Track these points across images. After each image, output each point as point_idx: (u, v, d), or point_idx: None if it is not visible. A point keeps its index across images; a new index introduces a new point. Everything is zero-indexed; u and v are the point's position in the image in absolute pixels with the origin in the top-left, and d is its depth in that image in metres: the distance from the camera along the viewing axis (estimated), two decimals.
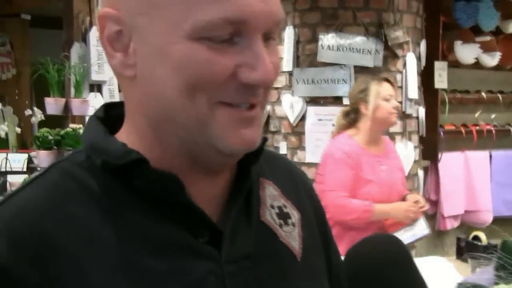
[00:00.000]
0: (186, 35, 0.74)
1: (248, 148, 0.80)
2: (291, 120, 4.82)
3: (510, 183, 5.95)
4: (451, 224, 5.72)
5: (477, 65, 5.74)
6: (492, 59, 5.72)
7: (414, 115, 5.10)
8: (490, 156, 5.92)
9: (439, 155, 5.62)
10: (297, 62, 4.81)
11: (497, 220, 5.62)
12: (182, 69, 0.75)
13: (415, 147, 5.12)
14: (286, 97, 4.84)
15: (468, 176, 5.84)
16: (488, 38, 5.67)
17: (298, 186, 1.01)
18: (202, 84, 0.75)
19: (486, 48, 5.67)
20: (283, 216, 0.93)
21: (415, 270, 0.90)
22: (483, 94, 5.92)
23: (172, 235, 0.79)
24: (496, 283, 1.17)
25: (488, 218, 5.79)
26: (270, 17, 0.77)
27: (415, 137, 5.15)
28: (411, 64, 4.94)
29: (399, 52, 4.88)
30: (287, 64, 4.80)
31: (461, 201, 5.73)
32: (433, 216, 5.73)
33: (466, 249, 5.05)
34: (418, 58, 5.11)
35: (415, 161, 5.11)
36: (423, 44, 5.21)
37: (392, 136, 4.90)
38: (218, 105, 0.77)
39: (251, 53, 0.77)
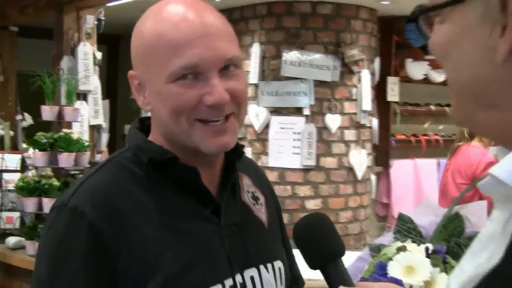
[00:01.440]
0: (166, 80, 1.14)
1: (223, 150, 1.22)
2: (256, 128, 5.26)
3: None
4: None
5: (427, 80, 6.21)
6: (440, 75, 6.19)
7: (368, 125, 5.55)
8: (438, 163, 6.35)
9: (391, 162, 6.08)
10: (262, 75, 5.23)
11: None
12: (167, 101, 1.16)
13: (368, 154, 5.57)
14: (252, 107, 5.27)
15: (417, 181, 6.25)
16: None
17: (261, 180, 1.46)
18: (179, 109, 1.15)
19: (435, 65, 6.14)
20: (255, 198, 1.37)
21: (334, 231, 1.23)
22: (432, 107, 6.39)
23: (190, 206, 1.21)
24: (394, 242, 1.61)
25: None
26: (219, 58, 1.15)
27: (368, 145, 5.60)
28: (365, 79, 5.40)
29: (355, 68, 5.33)
30: (253, 77, 5.23)
31: (410, 204, 6.12)
32: (384, 217, 6.20)
33: None
34: (372, 74, 5.56)
35: (368, 167, 5.57)
36: (377, 61, 5.66)
37: (347, 144, 5.37)
38: (195, 122, 1.16)
39: (208, 84, 1.14)
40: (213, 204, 1.25)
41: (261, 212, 1.37)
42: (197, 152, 1.21)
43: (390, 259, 1.46)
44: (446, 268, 1.40)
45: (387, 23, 5.86)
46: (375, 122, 5.68)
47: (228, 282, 1.21)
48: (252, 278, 1.26)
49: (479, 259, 0.76)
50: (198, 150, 1.20)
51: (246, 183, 1.38)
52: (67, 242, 1.13)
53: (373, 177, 5.77)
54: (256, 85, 5.25)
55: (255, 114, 5.24)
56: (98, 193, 1.16)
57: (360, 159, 5.44)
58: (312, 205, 5.30)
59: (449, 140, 6.47)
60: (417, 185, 6.26)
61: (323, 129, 5.26)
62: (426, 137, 6.37)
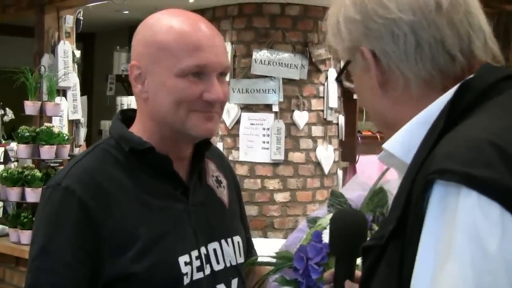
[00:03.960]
0: (175, 75, 1.35)
1: (210, 135, 1.43)
2: (227, 124, 5.45)
3: None
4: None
5: None
6: None
7: (335, 121, 5.77)
8: None
9: (357, 157, 6.31)
10: (233, 73, 5.42)
11: None
12: (171, 92, 1.36)
13: (335, 149, 5.78)
14: None
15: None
16: None
17: (224, 164, 1.67)
18: (181, 100, 1.36)
19: None
20: (218, 182, 1.59)
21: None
22: None
23: (164, 188, 1.43)
24: (328, 214, 1.79)
25: None
26: (220, 65, 1.39)
27: (335, 141, 5.82)
28: (332, 77, 5.60)
29: (322, 67, 5.55)
30: None
31: None
32: None
33: None
34: None
35: (335, 162, 5.79)
36: (343, 60, 5.85)
37: (314, 139, 5.60)
38: (192, 112, 1.37)
39: (209, 84, 1.37)
40: (183, 186, 1.47)
41: (223, 194, 1.59)
42: (178, 141, 1.44)
43: (325, 228, 1.60)
44: (372, 234, 1.63)
45: None
46: (341, 119, 5.88)
47: (194, 253, 1.43)
48: (214, 250, 1.49)
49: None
50: (187, 135, 1.41)
51: (211, 168, 1.59)
52: (61, 213, 1.35)
53: (339, 172, 5.98)
54: (227, 83, 5.43)
55: (226, 111, 5.41)
56: (86, 175, 1.38)
57: (327, 154, 5.66)
58: (281, 198, 5.51)
59: None
60: (382, 180, 6.46)
61: (291, 125, 5.46)
62: None
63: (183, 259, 1.40)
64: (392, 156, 1.00)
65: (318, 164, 5.62)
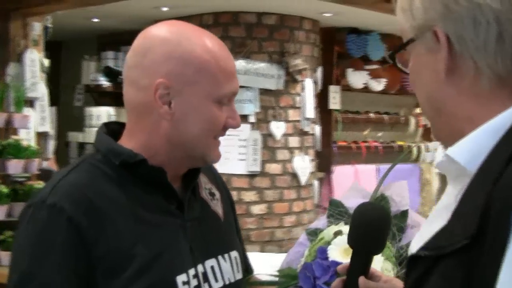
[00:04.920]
0: (213, 100, 1.30)
1: (219, 160, 1.37)
2: None
3: None
4: None
5: (366, 89, 6.45)
6: (379, 85, 6.45)
7: (311, 132, 5.74)
8: (377, 169, 6.56)
9: (333, 168, 6.27)
10: None
11: None
12: (206, 119, 1.30)
13: (311, 160, 5.75)
14: None
15: None
16: (375, 66, 6.39)
17: (216, 177, 1.58)
18: (214, 127, 1.32)
19: (374, 75, 6.40)
20: (212, 194, 1.50)
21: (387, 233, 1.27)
22: (372, 114, 6.63)
23: (158, 203, 1.33)
24: (328, 225, 1.65)
25: None
26: (237, 91, 1.37)
27: (311, 152, 5.78)
28: (308, 87, 5.59)
29: (299, 77, 5.50)
30: None
31: None
32: None
33: None
34: (315, 83, 5.74)
35: (311, 173, 5.75)
36: (319, 71, 5.85)
37: (291, 150, 5.53)
38: (215, 139, 1.34)
39: (232, 110, 1.34)
40: (177, 200, 1.37)
41: (217, 206, 1.50)
42: (187, 163, 1.37)
43: (329, 243, 1.55)
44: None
45: (329, 34, 6.06)
46: (317, 129, 5.86)
47: (191, 271, 1.33)
48: (212, 267, 1.39)
49: (434, 225, 0.94)
50: (203, 160, 1.36)
51: (204, 180, 1.50)
52: (47, 235, 1.22)
53: (315, 183, 5.94)
54: None
55: None
56: (75, 191, 1.26)
57: (303, 165, 5.61)
58: (257, 210, 5.43)
59: (388, 147, 6.74)
60: None
61: (268, 136, 5.40)
62: (366, 144, 6.58)
63: (180, 278, 1.31)
64: (453, 163, 0.92)
65: (294, 175, 5.56)
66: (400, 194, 1.67)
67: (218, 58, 1.31)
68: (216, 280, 1.39)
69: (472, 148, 0.89)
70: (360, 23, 6.02)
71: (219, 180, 1.59)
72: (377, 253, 1.24)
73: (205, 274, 1.37)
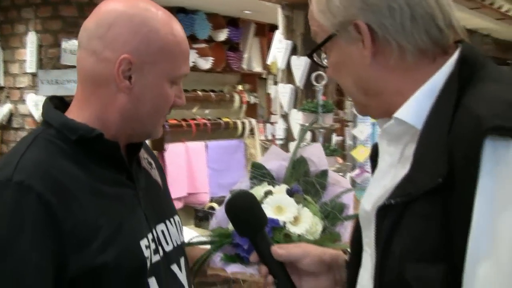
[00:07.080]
0: (168, 80, 1.38)
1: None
2: (36, 117, 5.15)
3: (222, 169, 6.82)
4: (176, 205, 6.42)
5: (194, 68, 6.54)
6: (206, 63, 6.60)
7: None
8: (206, 145, 6.76)
9: (165, 146, 6.33)
10: (40, 64, 5.16)
11: (213, 200, 6.50)
12: (160, 97, 1.38)
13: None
14: (30, 97, 5.16)
15: (189, 163, 6.56)
16: (203, 45, 6.54)
17: (147, 148, 1.64)
18: (165, 106, 1.41)
19: (202, 53, 6.55)
20: (149, 164, 1.59)
21: (260, 209, 1.42)
22: (199, 92, 6.75)
23: (112, 175, 1.39)
24: (252, 187, 1.77)
25: (206, 198, 6.61)
26: (188, 73, 1.45)
27: None
28: None
29: None
30: (30, 66, 5.12)
31: (184, 185, 6.48)
32: None
33: (203, 218, 5.88)
34: None
35: None
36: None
37: None
38: (163, 117, 1.44)
39: (179, 90, 1.44)
40: (127, 172, 1.43)
41: (156, 175, 1.59)
42: (133, 136, 1.42)
43: (261, 202, 1.67)
44: (306, 203, 1.72)
45: None
46: None
47: (150, 236, 1.42)
48: (162, 231, 1.49)
49: (383, 182, 1.11)
50: (148, 135, 1.42)
51: (142, 152, 1.56)
52: (17, 214, 1.20)
53: None
54: (33, 74, 5.16)
55: (34, 104, 5.15)
56: (40, 168, 1.27)
57: None
58: None
59: (215, 123, 6.91)
60: (189, 166, 6.56)
61: None
62: (195, 121, 6.69)
63: (143, 243, 1.38)
64: (402, 124, 1.08)
65: None
66: (317, 155, 1.83)
67: (179, 41, 1.39)
68: (167, 243, 1.49)
69: (416, 109, 1.05)
70: (187, 2, 6.13)
71: (149, 150, 1.66)
72: (263, 227, 1.40)
73: (158, 238, 1.46)
